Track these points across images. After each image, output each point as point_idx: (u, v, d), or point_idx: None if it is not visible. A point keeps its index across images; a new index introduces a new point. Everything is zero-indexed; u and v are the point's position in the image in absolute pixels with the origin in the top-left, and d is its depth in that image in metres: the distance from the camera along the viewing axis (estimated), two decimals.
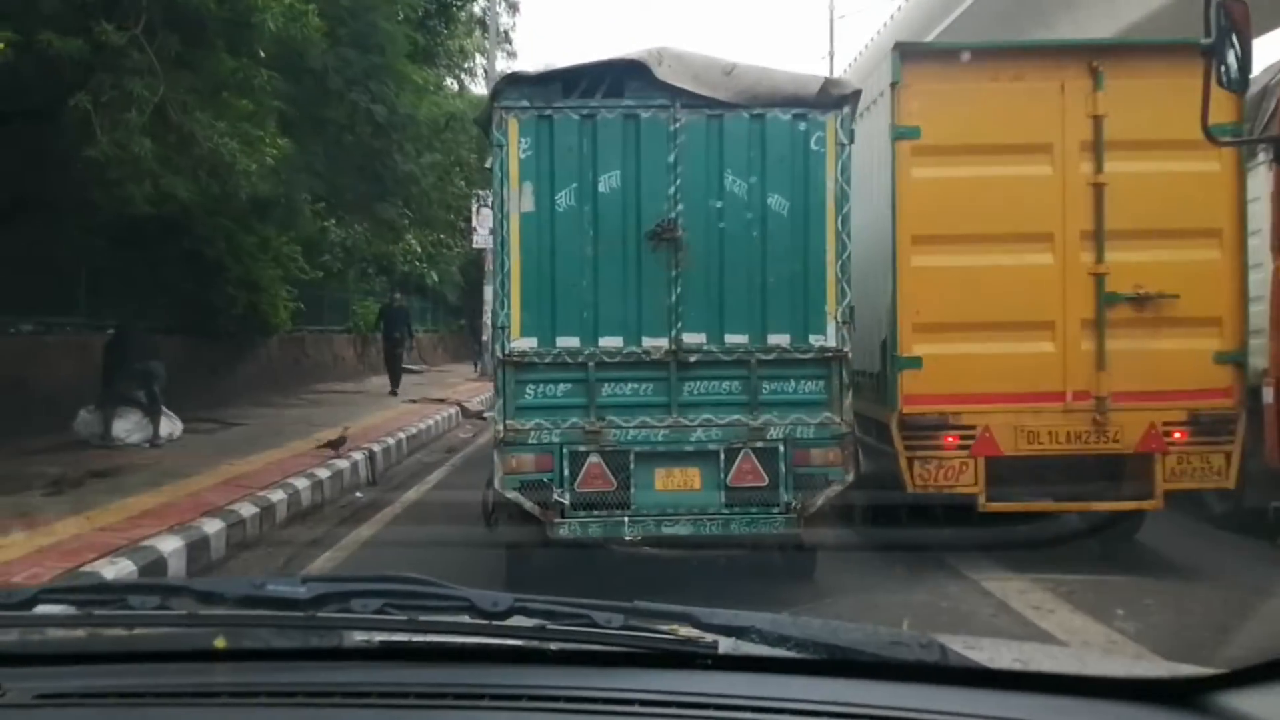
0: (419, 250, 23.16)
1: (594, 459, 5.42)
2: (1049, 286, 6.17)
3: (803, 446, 5.48)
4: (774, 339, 5.54)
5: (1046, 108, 6.16)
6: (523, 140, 5.45)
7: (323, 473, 8.99)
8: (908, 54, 6.21)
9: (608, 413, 5.48)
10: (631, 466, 5.44)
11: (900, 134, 6.16)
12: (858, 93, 5.76)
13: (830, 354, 5.55)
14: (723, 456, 5.45)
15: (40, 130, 8.21)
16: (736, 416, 5.50)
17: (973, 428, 6.11)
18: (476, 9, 23.22)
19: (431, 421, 13.63)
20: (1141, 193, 6.11)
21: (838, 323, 5.54)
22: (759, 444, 5.45)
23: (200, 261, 13.02)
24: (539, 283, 5.51)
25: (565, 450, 5.42)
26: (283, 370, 17.13)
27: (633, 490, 5.42)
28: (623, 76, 5.50)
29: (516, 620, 1.36)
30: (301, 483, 8.47)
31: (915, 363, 6.18)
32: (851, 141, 5.56)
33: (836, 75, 9.59)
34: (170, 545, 6.15)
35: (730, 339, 5.55)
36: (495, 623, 1.35)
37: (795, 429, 5.48)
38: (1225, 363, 6.16)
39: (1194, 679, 1.33)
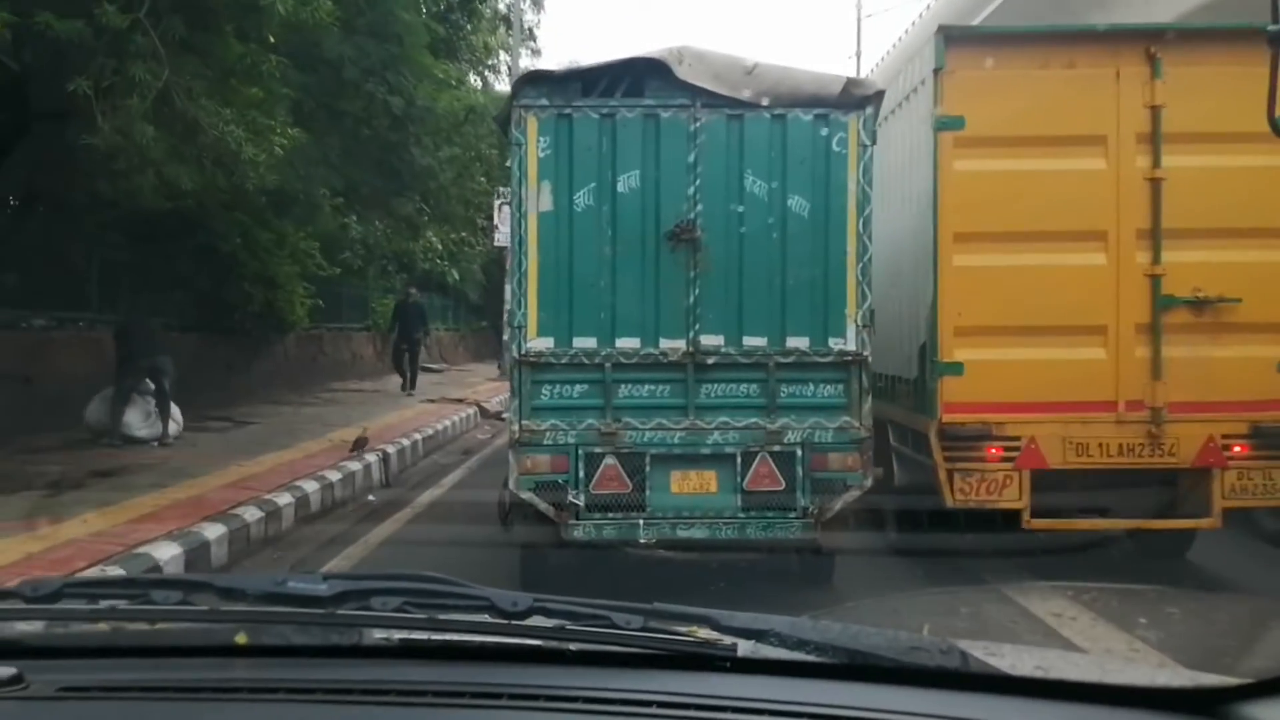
0: (440, 248, 22.95)
1: (609, 461, 5.40)
2: (1101, 288, 5.80)
3: (821, 451, 5.45)
4: (793, 342, 5.51)
5: (1100, 97, 5.79)
6: (541, 139, 5.43)
7: (333, 475, 8.73)
8: (952, 38, 5.82)
9: (624, 414, 5.44)
10: (647, 469, 5.42)
11: (943, 124, 5.80)
12: (881, 93, 5.67)
13: (850, 357, 5.50)
14: (739, 460, 5.42)
15: (46, 120, 7.96)
16: (754, 420, 5.47)
17: (1017, 439, 5.76)
18: (501, 5, 23.09)
19: (449, 422, 13.36)
20: (1202, 189, 5.73)
21: (858, 326, 5.49)
22: (776, 448, 5.43)
23: (215, 257, 12.83)
24: (556, 282, 5.47)
25: (581, 451, 5.40)
26: (300, 368, 16.93)
27: (648, 493, 5.40)
28: (643, 75, 5.47)
29: (536, 620, 1.37)
30: (311, 485, 8.22)
31: (957, 369, 5.83)
32: (874, 143, 5.50)
33: (863, 75, 9.25)
34: (168, 552, 5.92)
35: (749, 341, 5.51)
36: (515, 622, 1.36)
37: (813, 433, 5.45)
38: None
39: (1217, 689, 1.32)
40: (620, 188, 5.45)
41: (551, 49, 55.93)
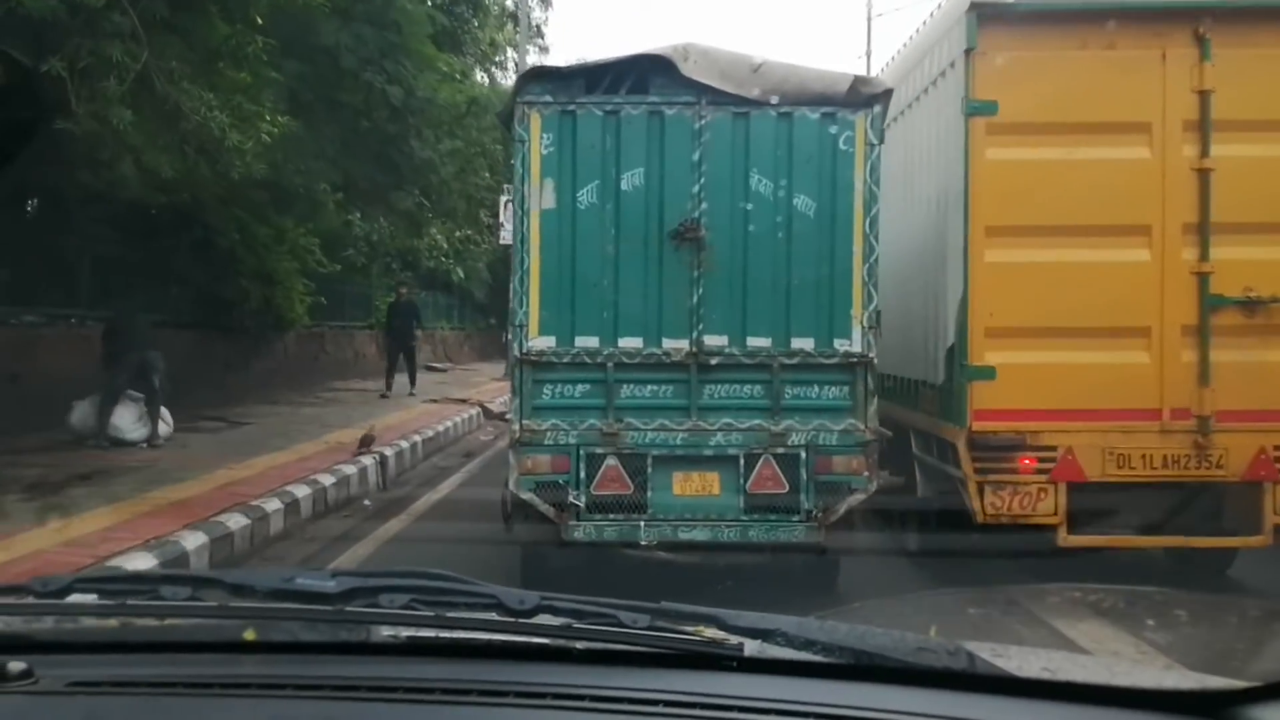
0: (445, 246, 22.63)
1: (611, 461, 5.38)
2: (1144, 287, 5.46)
3: (825, 453, 5.41)
4: (797, 343, 5.45)
5: (1144, 81, 5.44)
6: (545, 136, 5.40)
7: (327, 479, 8.40)
8: (986, 15, 5.44)
9: (626, 414, 5.42)
10: (649, 470, 5.39)
11: (975, 109, 5.44)
12: (889, 91, 5.59)
13: (855, 359, 5.44)
14: (742, 462, 5.39)
15: (23, 105, 7.61)
16: (757, 421, 5.43)
17: (1053, 449, 5.43)
18: (509, 2, 22.83)
19: (451, 423, 13.05)
20: (1254, 180, 5.41)
21: (864, 327, 5.44)
22: (780, 450, 5.39)
23: (212, 252, 12.59)
24: (559, 281, 5.45)
25: (582, 452, 5.38)
26: (300, 367, 16.68)
27: (650, 494, 5.38)
28: (648, 72, 5.43)
29: (543, 618, 1.37)
30: (302, 491, 7.88)
31: (988, 373, 5.47)
32: (881, 142, 5.43)
33: (873, 75, 8.97)
34: (142, 563, 5.64)
35: (752, 342, 5.46)
36: (522, 620, 1.37)
37: (818, 435, 5.41)
38: None
39: (1224, 692, 1.33)
40: (624, 186, 5.41)
41: (559, 46, 55.73)
